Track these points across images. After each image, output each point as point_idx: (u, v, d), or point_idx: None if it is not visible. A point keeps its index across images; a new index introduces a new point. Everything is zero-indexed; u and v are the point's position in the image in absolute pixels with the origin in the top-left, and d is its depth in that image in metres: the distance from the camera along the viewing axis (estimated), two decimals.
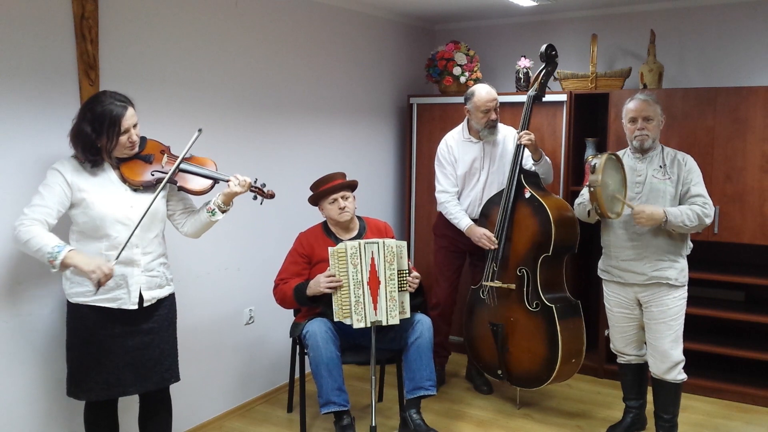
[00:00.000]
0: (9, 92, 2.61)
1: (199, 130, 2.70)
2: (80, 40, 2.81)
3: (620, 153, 3.33)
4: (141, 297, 2.62)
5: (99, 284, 2.41)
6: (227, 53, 3.55)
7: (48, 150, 2.74)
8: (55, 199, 2.48)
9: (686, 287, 3.25)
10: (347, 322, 3.16)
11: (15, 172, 2.65)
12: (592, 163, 3.08)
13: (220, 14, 3.49)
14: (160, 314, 2.72)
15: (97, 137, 2.49)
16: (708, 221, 3.13)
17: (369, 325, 3.15)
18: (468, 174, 3.95)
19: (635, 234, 3.21)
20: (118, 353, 2.60)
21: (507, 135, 3.94)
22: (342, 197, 3.38)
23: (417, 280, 3.26)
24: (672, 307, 3.19)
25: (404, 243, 3.25)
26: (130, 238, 2.50)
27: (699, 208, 3.11)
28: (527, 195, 3.65)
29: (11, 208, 2.63)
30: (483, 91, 3.82)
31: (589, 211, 3.27)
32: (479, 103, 3.80)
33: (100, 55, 2.90)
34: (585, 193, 3.32)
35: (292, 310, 3.60)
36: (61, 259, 2.38)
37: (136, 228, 2.52)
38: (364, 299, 3.14)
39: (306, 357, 3.34)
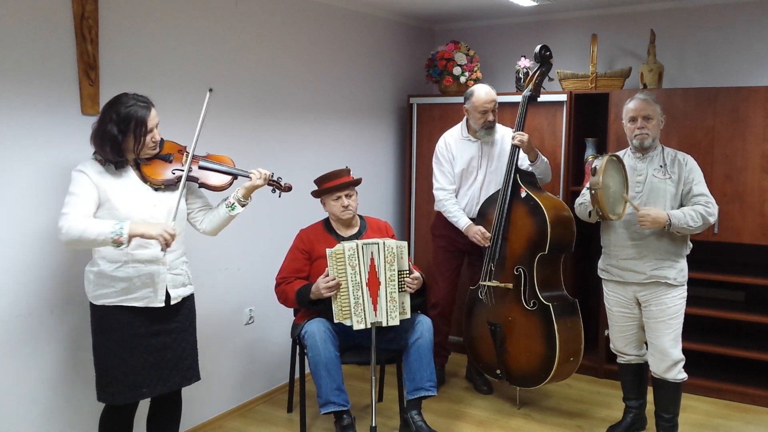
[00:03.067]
0: (8, 92, 2.61)
1: (210, 90, 2.74)
2: (80, 40, 2.81)
3: (620, 153, 3.34)
4: (167, 296, 2.64)
5: (166, 245, 2.48)
6: (227, 53, 3.55)
7: (47, 150, 2.74)
8: (89, 198, 2.49)
9: (686, 286, 3.25)
10: (347, 323, 3.16)
11: (14, 171, 2.65)
12: (593, 165, 3.07)
13: (220, 14, 3.49)
14: (183, 314, 2.74)
15: (123, 138, 2.51)
16: (712, 220, 3.13)
17: (369, 326, 3.14)
18: (465, 172, 3.95)
19: (636, 233, 3.21)
20: (141, 353, 2.60)
21: (505, 135, 3.94)
22: (346, 195, 3.39)
23: (416, 281, 3.25)
24: (671, 306, 3.20)
25: (405, 243, 3.24)
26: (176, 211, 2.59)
27: (702, 208, 3.11)
28: (523, 194, 3.65)
29: (9, 206, 2.64)
30: (482, 92, 3.82)
31: (590, 212, 3.28)
32: (477, 104, 3.81)
33: (100, 55, 2.90)
34: (585, 193, 3.33)
35: (292, 310, 3.61)
36: (128, 233, 2.42)
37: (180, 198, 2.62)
38: (363, 300, 3.14)
39: (306, 357, 3.34)
